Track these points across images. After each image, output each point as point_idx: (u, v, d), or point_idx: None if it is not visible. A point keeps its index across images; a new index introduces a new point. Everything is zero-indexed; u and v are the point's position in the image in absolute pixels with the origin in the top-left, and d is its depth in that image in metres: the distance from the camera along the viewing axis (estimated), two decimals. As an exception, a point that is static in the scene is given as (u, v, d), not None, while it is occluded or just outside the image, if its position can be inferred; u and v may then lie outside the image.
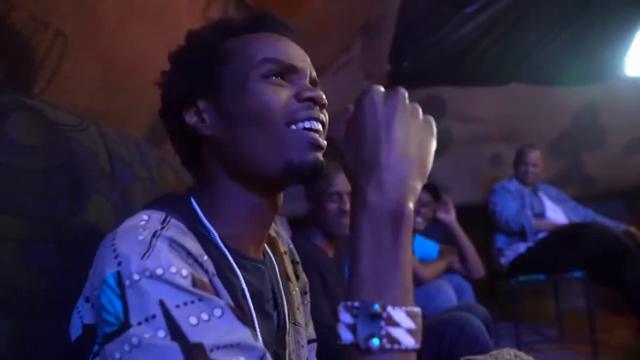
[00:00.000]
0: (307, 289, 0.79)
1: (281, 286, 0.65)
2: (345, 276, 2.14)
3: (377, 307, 0.39)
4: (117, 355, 0.42)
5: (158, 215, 0.52)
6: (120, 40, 1.12)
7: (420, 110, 0.47)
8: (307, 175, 0.57)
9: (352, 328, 0.39)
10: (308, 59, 0.63)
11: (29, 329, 0.57)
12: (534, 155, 2.77)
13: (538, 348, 2.57)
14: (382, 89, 0.47)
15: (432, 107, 2.79)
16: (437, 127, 0.49)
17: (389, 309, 0.39)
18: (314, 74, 0.62)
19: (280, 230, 0.77)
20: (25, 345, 0.57)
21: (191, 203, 0.59)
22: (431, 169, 0.47)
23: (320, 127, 0.58)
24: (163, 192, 0.62)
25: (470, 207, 2.81)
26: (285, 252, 0.75)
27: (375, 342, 0.38)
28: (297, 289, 0.73)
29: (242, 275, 0.57)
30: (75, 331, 0.51)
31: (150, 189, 0.82)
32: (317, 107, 0.58)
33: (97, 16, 1.04)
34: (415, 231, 2.34)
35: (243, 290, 0.56)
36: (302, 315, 0.72)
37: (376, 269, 0.41)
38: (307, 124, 0.57)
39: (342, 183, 1.71)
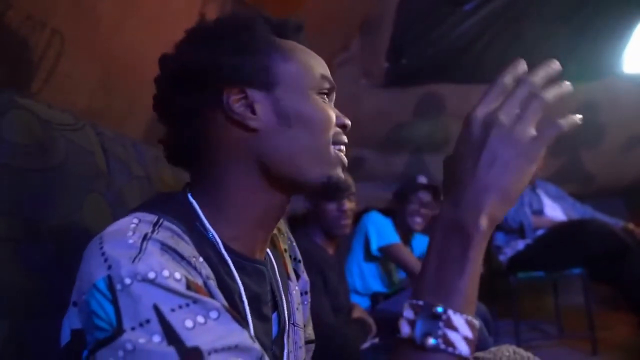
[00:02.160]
0: (308, 288, 0.78)
1: (280, 287, 0.64)
2: (347, 273, 2.14)
3: (439, 309, 0.41)
4: None
5: (150, 218, 0.51)
6: (118, 39, 1.12)
7: (526, 133, 0.44)
8: (339, 191, 0.61)
9: (412, 324, 0.41)
10: None
11: (24, 329, 0.57)
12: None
13: (537, 345, 2.57)
14: (488, 111, 0.46)
15: (430, 105, 2.79)
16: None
17: (450, 312, 0.41)
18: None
19: (282, 226, 0.76)
20: (21, 346, 0.57)
21: (189, 202, 0.58)
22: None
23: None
24: (157, 191, 0.60)
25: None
26: (285, 250, 0.74)
27: (432, 340, 0.40)
28: (297, 288, 0.72)
29: (241, 278, 0.56)
30: (64, 338, 0.49)
31: (147, 188, 0.82)
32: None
33: (94, 16, 1.04)
34: (414, 231, 2.34)
35: (240, 293, 0.55)
36: (301, 315, 0.71)
37: (442, 275, 0.43)
38: (343, 148, 0.62)
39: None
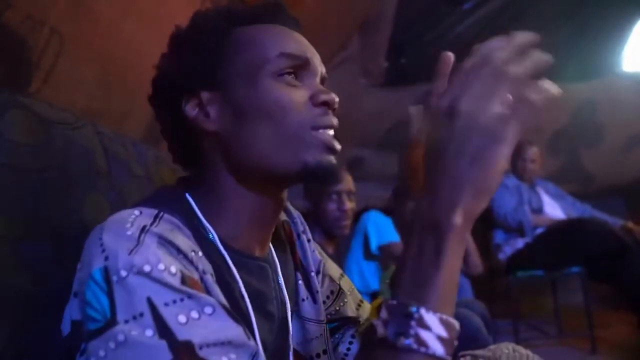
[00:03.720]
0: (321, 267, 0.75)
1: (283, 284, 0.63)
2: (346, 272, 2.14)
3: (412, 308, 0.39)
4: (102, 353, 0.41)
5: (150, 211, 0.51)
6: (117, 39, 1.12)
7: (492, 116, 0.40)
8: (322, 177, 0.56)
9: (386, 323, 0.40)
10: (319, 56, 0.61)
11: (24, 329, 0.57)
12: (532, 151, 2.77)
13: (536, 344, 2.57)
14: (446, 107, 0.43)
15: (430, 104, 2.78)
16: None
17: (422, 311, 0.39)
18: (324, 70, 0.61)
19: (291, 209, 0.74)
20: (21, 346, 0.57)
21: (187, 200, 0.57)
22: None
23: (333, 132, 0.58)
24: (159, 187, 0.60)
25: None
26: (298, 235, 0.72)
27: (404, 340, 0.38)
28: (312, 274, 0.70)
29: (241, 275, 0.55)
30: (66, 328, 0.49)
31: (147, 188, 0.82)
32: (330, 112, 0.57)
33: (93, 15, 1.04)
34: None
35: (240, 290, 0.55)
36: (315, 306, 0.68)
37: (417, 274, 0.41)
38: (327, 130, 0.57)
39: (341, 183, 1.71)
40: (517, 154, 2.80)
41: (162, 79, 0.60)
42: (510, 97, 0.41)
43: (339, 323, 0.73)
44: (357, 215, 2.24)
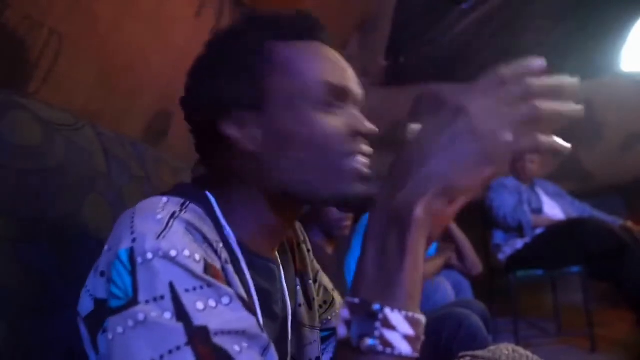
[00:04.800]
0: (318, 277, 0.77)
1: (285, 285, 0.64)
2: (346, 272, 2.14)
3: (375, 307, 0.37)
4: (120, 329, 0.42)
5: (177, 199, 0.52)
6: (115, 39, 1.12)
7: (497, 134, 0.38)
8: (356, 205, 0.57)
9: (348, 324, 0.38)
10: (356, 77, 0.61)
11: (23, 330, 0.57)
12: (531, 152, 2.77)
13: (536, 343, 2.58)
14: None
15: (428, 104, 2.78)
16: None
17: (387, 310, 0.37)
18: (362, 94, 0.61)
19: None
20: (19, 346, 0.57)
21: (207, 197, 0.57)
22: None
23: (367, 160, 0.58)
24: (172, 185, 0.60)
25: (468, 204, 2.81)
26: (299, 244, 0.73)
27: (368, 342, 0.36)
28: (309, 281, 0.72)
29: (251, 274, 0.56)
30: (86, 308, 0.50)
31: (147, 189, 0.82)
32: (365, 141, 0.58)
33: (92, 15, 1.04)
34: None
35: (250, 289, 0.55)
36: (310, 313, 0.69)
37: (379, 269, 0.39)
38: (362, 159, 0.57)
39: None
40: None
41: (198, 95, 0.59)
42: (523, 126, 0.38)
43: (329, 333, 0.75)
44: (357, 216, 2.24)
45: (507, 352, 0.70)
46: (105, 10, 1.06)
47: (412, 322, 0.37)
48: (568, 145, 0.40)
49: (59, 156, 0.66)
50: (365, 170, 0.57)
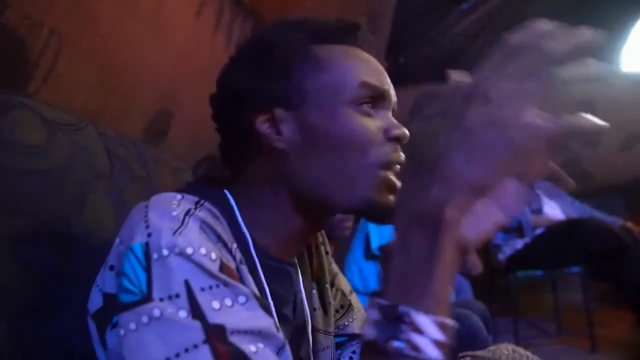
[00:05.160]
0: (335, 280, 0.76)
1: (303, 290, 0.63)
2: (346, 272, 2.14)
3: (404, 310, 0.36)
4: (133, 325, 0.41)
5: (191, 197, 0.51)
6: (115, 39, 1.12)
7: (515, 117, 0.34)
8: (382, 216, 0.55)
9: (376, 325, 0.37)
10: (392, 84, 0.59)
11: (24, 330, 0.57)
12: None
13: (536, 343, 2.58)
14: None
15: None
16: None
17: (414, 314, 0.36)
18: (396, 100, 0.60)
19: None
20: (19, 346, 0.56)
21: (226, 197, 0.57)
22: None
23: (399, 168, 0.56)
24: (180, 186, 0.59)
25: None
26: (317, 247, 0.72)
27: (395, 344, 0.35)
28: (326, 285, 0.70)
29: (265, 277, 0.55)
30: (96, 304, 0.49)
31: (148, 189, 0.82)
32: (399, 147, 0.56)
33: (91, 15, 1.04)
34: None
35: (265, 291, 0.55)
36: (326, 318, 0.68)
37: (407, 271, 0.38)
38: (395, 168, 0.55)
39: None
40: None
41: (234, 90, 0.58)
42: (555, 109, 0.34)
43: (345, 338, 0.74)
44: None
45: (507, 352, 0.70)
46: (105, 10, 1.06)
47: (442, 326, 0.36)
48: (603, 123, 0.35)
49: (61, 156, 0.66)
50: (397, 181, 0.55)
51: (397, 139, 0.55)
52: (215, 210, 0.51)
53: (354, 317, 0.75)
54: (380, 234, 2.23)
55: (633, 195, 3.40)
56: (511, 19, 2.60)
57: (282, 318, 0.58)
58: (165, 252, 0.43)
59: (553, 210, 2.74)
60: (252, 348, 0.41)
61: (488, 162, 0.35)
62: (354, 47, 0.59)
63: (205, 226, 0.47)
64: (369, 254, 2.26)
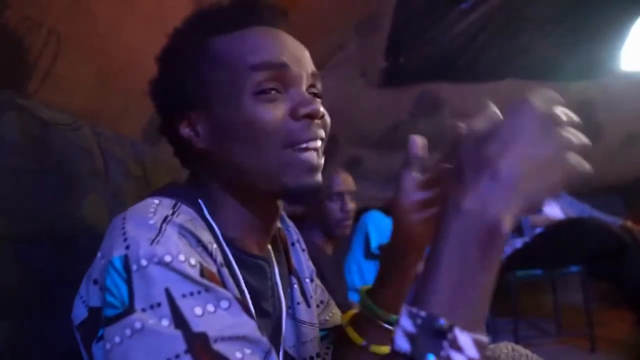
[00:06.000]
0: (314, 276, 0.77)
1: (279, 284, 0.64)
2: (346, 272, 2.14)
3: (444, 324, 0.35)
4: (117, 339, 0.41)
5: (168, 201, 0.51)
6: (114, 39, 1.12)
7: (571, 142, 0.40)
8: (303, 198, 0.56)
9: (412, 338, 0.36)
10: (306, 53, 0.57)
11: (23, 329, 0.57)
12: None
13: (536, 343, 2.58)
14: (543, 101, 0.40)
15: (428, 104, 2.79)
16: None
17: (457, 330, 0.35)
18: (312, 68, 0.57)
19: (285, 218, 0.75)
20: (20, 346, 0.56)
21: (196, 197, 0.57)
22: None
23: (318, 143, 0.55)
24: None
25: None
26: (292, 244, 0.73)
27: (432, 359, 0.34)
28: (307, 280, 0.71)
29: (240, 272, 0.56)
30: (80, 315, 0.49)
31: (145, 188, 0.82)
32: (316, 122, 0.55)
33: (91, 15, 1.04)
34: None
35: (241, 287, 0.55)
36: (309, 309, 0.69)
37: (453, 282, 0.37)
38: (303, 145, 0.54)
39: (343, 183, 1.71)
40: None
41: (155, 103, 0.60)
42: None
43: (327, 332, 0.75)
44: (357, 215, 2.25)
45: (506, 351, 0.70)
46: (105, 10, 1.06)
47: (479, 345, 0.35)
48: (588, 167, 0.42)
49: (57, 156, 0.66)
50: (313, 159, 0.54)
51: (306, 117, 0.53)
52: (192, 211, 0.52)
53: (334, 311, 0.77)
54: (379, 234, 2.23)
55: (633, 195, 3.40)
56: (511, 18, 2.60)
57: (263, 314, 0.58)
58: (144, 262, 0.43)
59: (552, 210, 2.72)
60: (238, 355, 0.41)
61: (547, 175, 0.38)
62: (259, 27, 0.56)
63: (184, 231, 0.47)
64: (368, 254, 2.26)
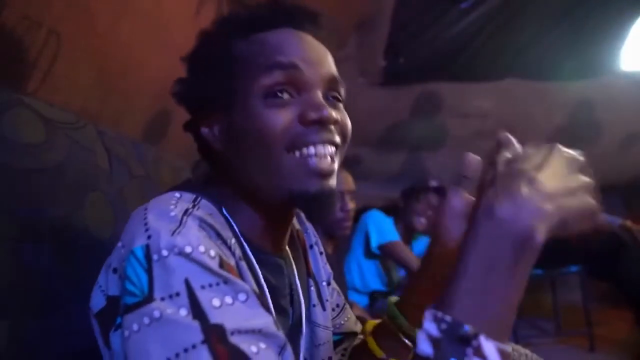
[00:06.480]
0: (331, 279, 0.76)
1: (298, 283, 0.64)
2: (346, 271, 2.14)
3: (468, 329, 0.35)
4: (135, 327, 0.42)
5: (189, 195, 0.51)
6: (114, 39, 1.11)
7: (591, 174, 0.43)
8: (311, 204, 0.53)
9: (435, 343, 0.36)
10: (327, 57, 0.57)
11: (24, 329, 0.57)
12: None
13: (535, 342, 2.58)
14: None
15: (428, 103, 2.78)
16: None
17: (482, 338, 0.35)
18: (332, 72, 0.56)
19: (304, 220, 0.75)
20: (23, 345, 0.56)
21: (214, 193, 0.57)
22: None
23: (330, 149, 0.54)
24: (173, 185, 0.60)
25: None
26: (311, 246, 0.73)
27: None
28: (323, 283, 0.71)
29: (260, 269, 0.56)
30: (98, 304, 0.50)
31: (147, 188, 0.82)
32: (327, 128, 0.53)
33: (90, 15, 1.03)
34: (416, 230, 2.35)
35: (260, 282, 0.55)
36: (324, 313, 0.69)
37: (481, 288, 0.36)
38: (311, 150, 0.52)
39: (342, 182, 1.70)
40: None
41: (180, 99, 0.61)
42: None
43: (342, 337, 0.75)
44: (357, 215, 2.25)
45: (506, 351, 0.70)
46: (104, 9, 1.06)
47: (503, 354, 0.35)
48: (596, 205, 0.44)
49: (60, 154, 0.66)
50: (320, 164, 0.52)
51: (316, 122, 0.52)
52: (212, 207, 0.52)
53: (349, 315, 0.77)
54: (379, 233, 2.23)
55: (632, 194, 3.40)
56: (511, 18, 2.60)
57: (281, 311, 0.58)
58: (164, 252, 0.43)
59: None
60: (254, 349, 0.41)
61: (576, 192, 0.41)
62: (282, 29, 0.56)
63: (204, 224, 0.47)
64: (368, 253, 2.26)
